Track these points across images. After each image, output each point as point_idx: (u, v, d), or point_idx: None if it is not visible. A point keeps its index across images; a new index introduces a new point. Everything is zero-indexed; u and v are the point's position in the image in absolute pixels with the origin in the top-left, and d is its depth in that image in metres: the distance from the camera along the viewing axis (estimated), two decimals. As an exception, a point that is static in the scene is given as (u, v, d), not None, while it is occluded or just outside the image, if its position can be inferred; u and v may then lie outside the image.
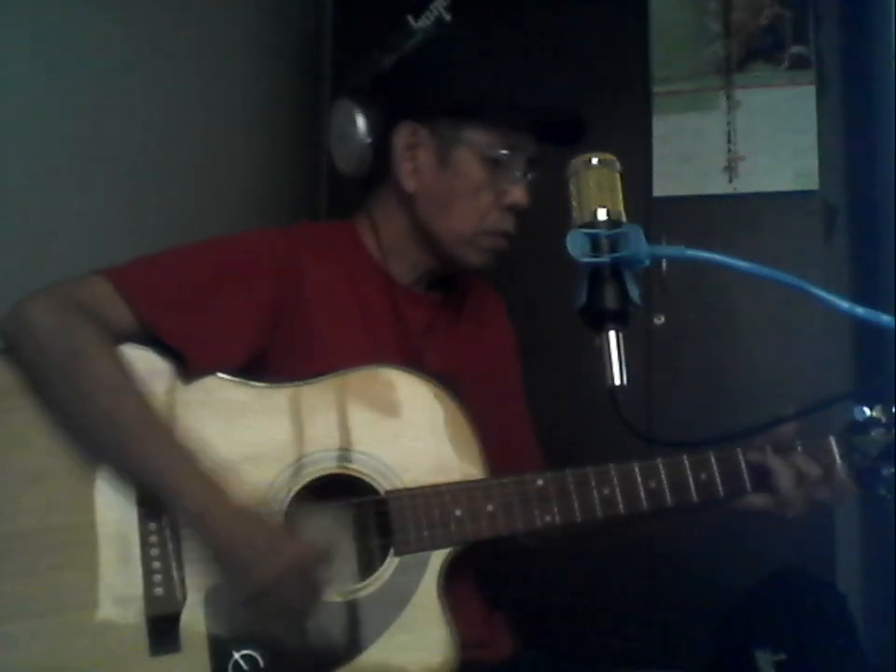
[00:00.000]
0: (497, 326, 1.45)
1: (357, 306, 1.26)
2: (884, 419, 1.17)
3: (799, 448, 1.17)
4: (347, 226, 1.34)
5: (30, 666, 1.04)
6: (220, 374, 1.15)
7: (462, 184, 1.25)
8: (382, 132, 1.26)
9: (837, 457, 1.16)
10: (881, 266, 2.22)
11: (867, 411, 1.17)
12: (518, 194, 1.25)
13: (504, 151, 1.24)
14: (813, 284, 0.84)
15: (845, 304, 0.82)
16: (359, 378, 1.17)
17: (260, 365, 1.18)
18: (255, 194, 2.26)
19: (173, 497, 1.06)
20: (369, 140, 1.27)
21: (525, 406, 1.44)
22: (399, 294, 1.29)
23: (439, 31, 1.29)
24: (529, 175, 1.27)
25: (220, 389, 1.14)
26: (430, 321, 1.31)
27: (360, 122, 1.26)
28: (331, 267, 1.26)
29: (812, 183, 2.17)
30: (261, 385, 1.16)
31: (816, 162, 2.16)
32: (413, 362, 1.23)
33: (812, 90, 2.19)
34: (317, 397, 1.16)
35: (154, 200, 1.81)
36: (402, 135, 1.25)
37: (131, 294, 1.14)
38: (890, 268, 2.03)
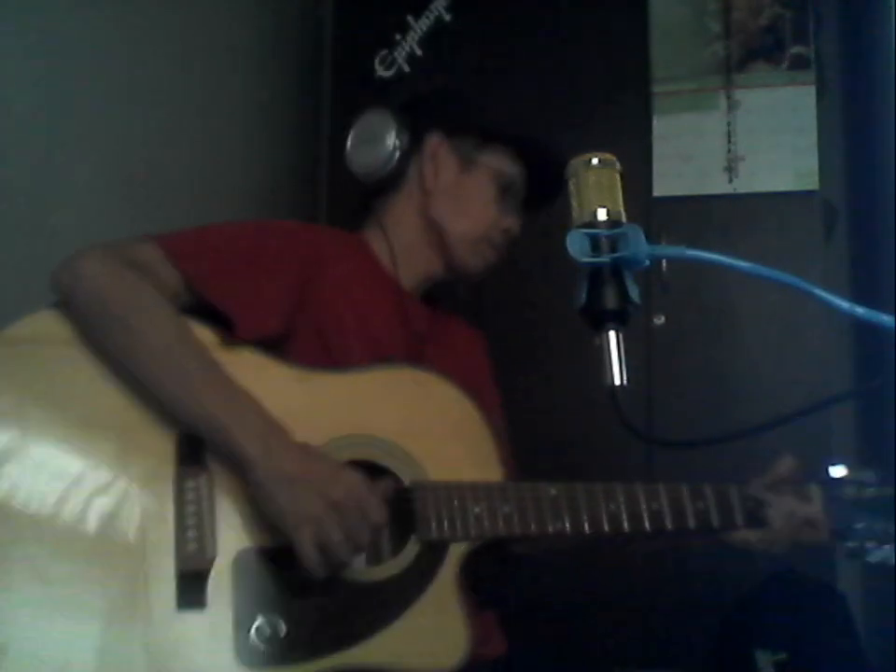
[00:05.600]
0: (478, 361, 1.50)
1: (371, 304, 1.32)
2: (863, 478, 1.23)
3: (789, 490, 1.24)
4: (356, 235, 1.43)
5: (60, 606, 1.04)
6: (255, 352, 1.18)
7: (477, 192, 1.40)
8: (410, 140, 1.40)
9: (820, 504, 1.23)
10: (881, 266, 2.22)
11: (845, 470, 1.24)
12: (515, 221, 1.42)
13: (509, 179, 1.40)
14: (813, 284, 0.84)
15: (845, 304, 0.82)
16: (392, 373, 1.23)
17: (283, 348, 1.22)
18: (255, 195, 2.26)
19: (234, 441, 1.08)
20: (397, 146, 1.39)
21: (503, 422, 1.45)
22: (407, 301, 1.37)
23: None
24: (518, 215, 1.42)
25: (255, 367, 1.17)
26: (430, 329, 1.39)
27: (393, 130, 1.39)
28: (347, 265, 1.33)
29: (812, 183, 2.16)
30: (297, 366, 1.19)
31: (816, 162, 2.16)
32: (419, 361, 1.29)
33: (812, 90, 2.18)
34: (351, 384, 1.21)
35: (154, 200, 1.81)
36: (431, 143, 1.40)
37: (179, 257, 1.18)
38: (890, 268, 2.03)
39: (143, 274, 1.15)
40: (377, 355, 1.26)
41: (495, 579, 1.34)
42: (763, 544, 1.23)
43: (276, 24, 2.44)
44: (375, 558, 1.17)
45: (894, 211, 2.06)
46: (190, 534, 1.09)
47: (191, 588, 1.07)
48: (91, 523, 1.08)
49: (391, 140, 1.39)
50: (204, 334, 1.16)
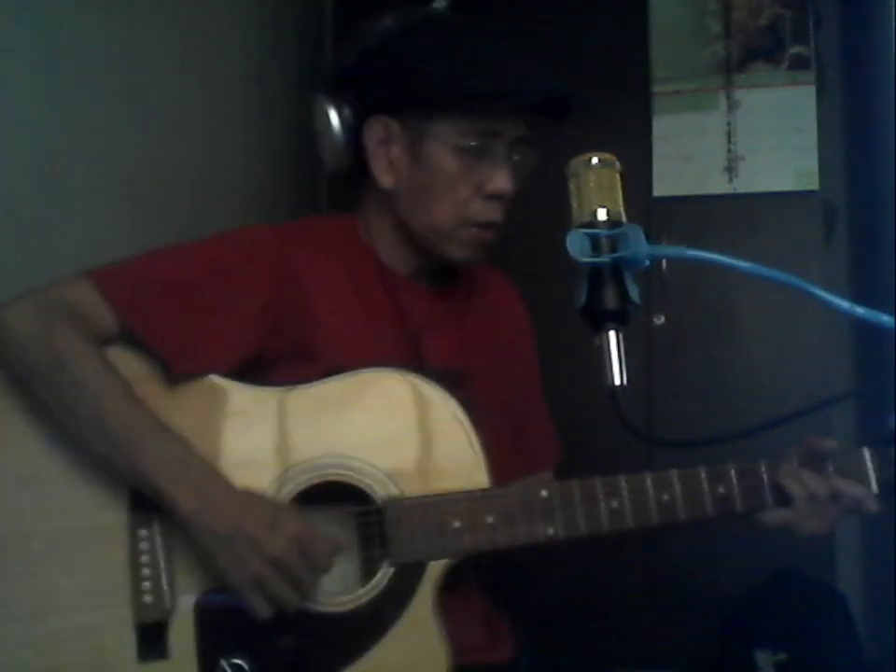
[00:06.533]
0: (510, 312, 1.42)
1: (358, 300, 1.24)
2: None
3: (829, 461, 1.14)
4: (346, 220, 1.31)
5: (21, 662, 1.03)
6: (215, 376, 1.13)
7: (435, 177, 1.20)
8: (355, 128, 1.23)
9: (871, 471, 1.14)
10: (881, 266, 2.22)
11: None
12: (500, 181, 1.19)
13: (474, 142, 1.18)
14: (813, 284, 0.84)
15: (845, 304, 0.83)
16: (358, 382, 1.15)
17: (265, 365, 1.17)
18: (255, 194, 2.25)
19: (167, 499, 1.05)
20: (344, 137, 1.23)
21: (541, 394, 1.41)
22: (399, 287, 1.27)
23: (403, 21, 1.25)
24: (516, 157, 1.22)
25: (215, 392, 1.13)
26: (432, 313, 1.28)
27: (334, 120, 1.23)
28: (330, 262, 1.24)
29: (812, 183, 2.16)
30: (257, 388, 1.14)
31: (816, 162, 2.16)
32: (416, 356, 1.21)
33: (812, 90, 2.18)
34: (314, 401, 1.14)
35: (154, 199, 1.81)
36: (374, 131, 1.22)
37: (115, 298, 1.12)
38: (890, 268, 2.03)
39: (73, 321, 1.09)
40: (366, 357, 1.17)
41: (505, 580, 1.33)
42: (797, 525, 1.13)
43: (276, 24, 2.44)
44: (358, 584, 1.12)
45: (894, 211, 2.06)
46: (146, 584, 1.06)
47: (152, 638, 1.05)
48: (46, 578, 1.06)
49: (335, 133, 1.23)
50: (153, 369, 1.12)
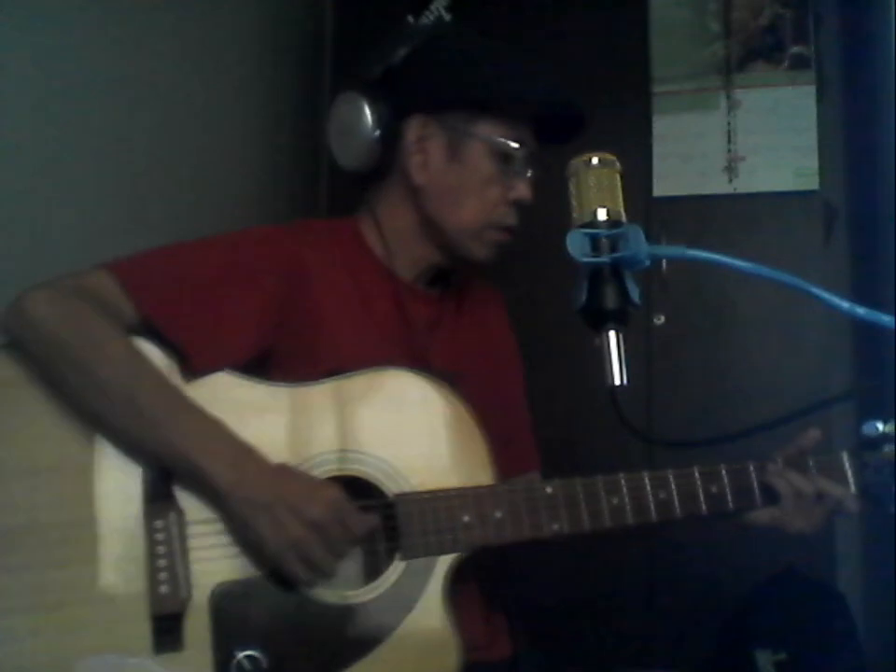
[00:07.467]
0: (497, 322, 1.45)
1: (363, 304, 1.25)
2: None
3: (811, 464, 1.18)
4: (348, 223, 1.33)
5: (33, 661, 1.03)
6: (227, 372, 1.14)
7: (472, 177, 1.26)
8: (390, 125, 1.25)
9: (849, 474, 1.18)
10: (881, 266, 2.22)
11: (879, 426, 1.17)
12: (524, 189, 1.27)
13: (515, 144, 1.25)
14: (813, 284, 0.84)
15: (845, 304, 0.83)
16: (368, 379, 1.16)
17: (268, 363, 1.18)
18: (255, 194, 2.25)
19: (204, 472, 1.06)
20: (377, 133, 1.25)
21: (525, 403, 1.44)
22: (403, 290, 1.29)
23: (445, 26, 1.29)
24: (529, 172, 1.28)
25: (227, 387, 1.14)
26: (434, 317, 1.31)
27: (368, 115, 1.25)
28: (335, 265, 1.25)
29: (812, 183, 2.16)
30: (269, 384, 1.15)
31: (816, 162, 2.16)
32: (419, 359, 1.23)
33: (812, 90, 2.18)
34: (326, 397, 1.15)
35: (154, 199, 1.81)
36: (413, 128, 1.25)
37: (134, 288, 1.13)
38: (890, 268, 2.03)
39: (96, 306, 1.10)
40: (372, 355, 1.19)
41: (504, 579, 1.33)
42: (783, 523, 1.17)
43: (276, 24, 2.44)
44: (362, 578, 1.13)
45: (894, 211, 2.06)
46: (162, 575, 1.07)
47: (168, 630, 1.06)
48: (62, 568, 1.06)
49: (368, 128, 1.25)
50: (166, 363, 1.12)
